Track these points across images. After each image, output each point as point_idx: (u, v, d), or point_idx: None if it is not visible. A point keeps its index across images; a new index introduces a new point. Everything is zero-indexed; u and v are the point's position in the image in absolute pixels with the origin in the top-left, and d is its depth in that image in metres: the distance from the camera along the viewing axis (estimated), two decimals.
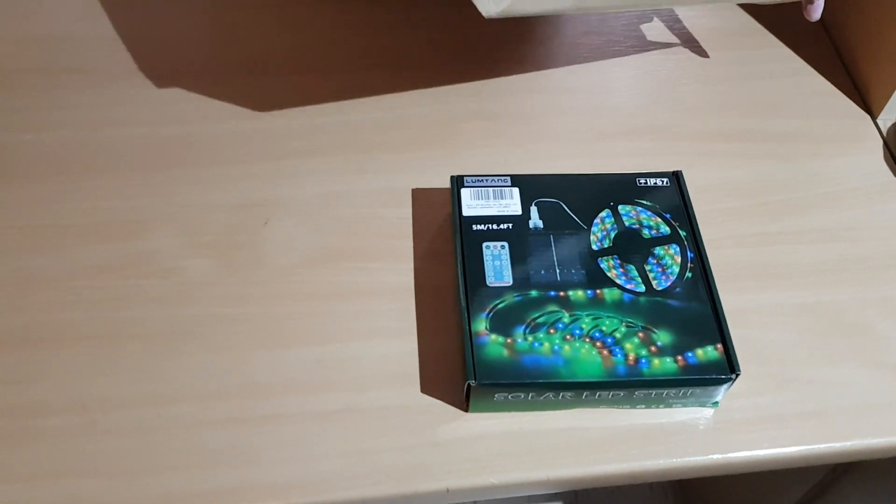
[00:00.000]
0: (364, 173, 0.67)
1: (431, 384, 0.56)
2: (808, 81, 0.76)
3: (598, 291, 0.56)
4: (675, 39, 0.79)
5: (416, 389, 0.56)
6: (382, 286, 0.61)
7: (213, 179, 0.66)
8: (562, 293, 0.56)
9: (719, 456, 0.54)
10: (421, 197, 0.66)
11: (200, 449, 0.53)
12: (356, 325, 0.59)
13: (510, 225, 0.59)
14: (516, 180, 0.61)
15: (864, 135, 0.72)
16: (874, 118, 0.73)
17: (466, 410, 0.55)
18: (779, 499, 0.92)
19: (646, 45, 0.79)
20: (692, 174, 0.68)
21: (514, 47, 0.78)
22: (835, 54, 0.78)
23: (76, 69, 0.73)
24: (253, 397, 0.55)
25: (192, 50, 0.75)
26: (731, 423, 0.55)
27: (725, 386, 0.54)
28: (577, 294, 0.56)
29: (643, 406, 0.55)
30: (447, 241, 0.63)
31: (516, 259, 0.57)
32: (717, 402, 0.56)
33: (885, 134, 0.72)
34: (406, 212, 0.65)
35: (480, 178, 0.61)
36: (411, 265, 0.62)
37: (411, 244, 0.63)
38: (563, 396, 0.53)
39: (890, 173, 0.69)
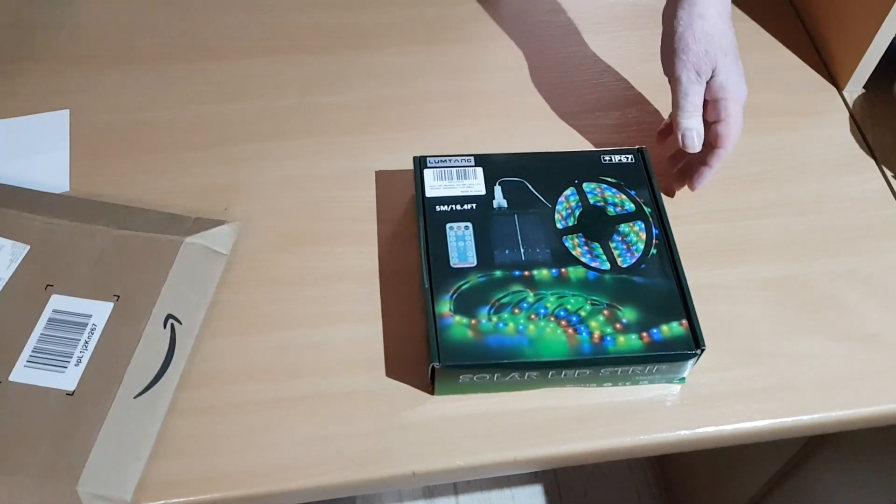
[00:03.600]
0: (326, 156, 0.66)
1: (397, 368, 0.56)
2: (774, 55, 0.75)
3: (562, 270, 0.55)
4: (641, 16, 0.78)
5: (382, 374, 0.55)
6: (347, 270, 0.60)
7: (171, 166, 0.65)
8: (526, 272, 0.55)
9: (687, 432, 0.54)
10: (385, 179, 0.65)
11: (163, 438, 0.52)
12: (320, 310, 0.58)
13: (474, 205, 0.58)
14: (480, 160, 0.60)
15: (830, 107, 0.72)
16: (840, 90, 0.73)
17: (432, 393, 0.55)
18: (755, 474, 0.92)
19: (612, 22, 0.78)
20: (659, 150, 0.67)
21: (481, 25, 0.77)
22: (801, 28, 0.77)
23: (25, 57, 0.72)
24: (215, 385, 0.54)
25: (144, 35, 0.74)
26: (699, 399, 0.55)
27: (691, 361, 0.53)
28: (542, 273, 0.55)
29: (610, 384, 0.55)
30: (412, 223, 0.62)
31: (480, 239, 0.57)
32: (683, 378, 0.55)
33: (851, 106, 0.71)
34: (370, 194, 0.64)
35: (443, 159, 0.60)
36: (376, 248, 0.61)
37: (375, 227, 0.62)
38: (528, 376, 0.53)
39: (856, 145, 0.69)
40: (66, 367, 0.52)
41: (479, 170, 0.60)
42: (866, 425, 0.56)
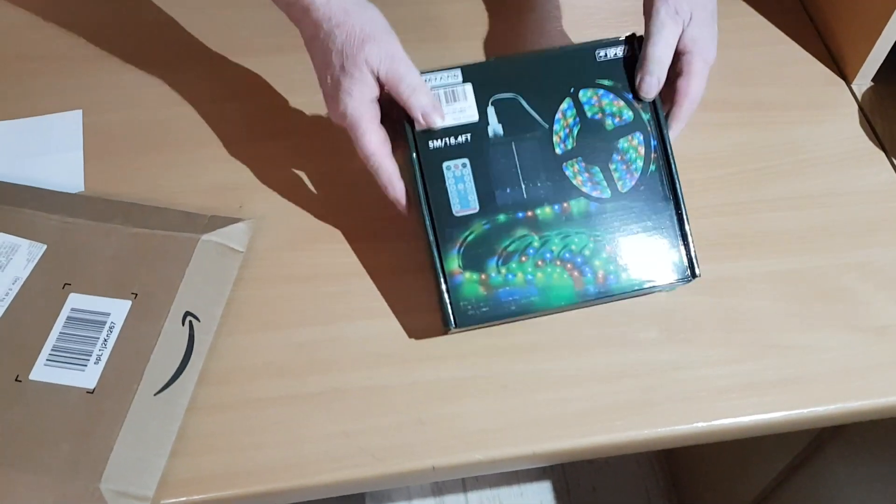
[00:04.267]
0: (339, 152, 0.66)
1: (415, 360, 0.56)
2: (783, 50, 0.76)
3: (564, 205, 0.56)
4: None
5: (399, 369, 0.56)
6: (362, 266, 0.60)
7: (184, 164, 0.65)
8: (529, 213, 0.55)
9: (703, 424, 0.54)
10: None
11: (182, 435, 0.52)
12: (337, 306, 0.58)
13: (468, 136, 0.56)
14: (468, 73, 0.56)
15: (839, 101, 0.72)
16: (849, 84, 0.73)
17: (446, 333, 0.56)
18: (765, 467, 0.93)
19: (620, 17, 0.78)
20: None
21: (489, 23, 0.77)
22: (809, 22, 0.78)
23: (37, 57, 0.72)
24: (234, 381, 0.55)
25: (156, 33, 0.74)
26: (714, 391, 0.55)
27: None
28: (545, 211, 0.55)
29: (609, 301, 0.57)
30: None
31: (479, 177, 0.55)
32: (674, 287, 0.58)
33: (860, 99, 0.72)
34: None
35: (429, 76, 0.56)
36: (391, 244, 0.61)
37: (390, 223, 0.63)
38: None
39: (866, 138, 0.69)
40: (85, 366, 0.52)
41: (469, 87, 0.56)
42: (879, 416, 0.57)
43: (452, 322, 0.53)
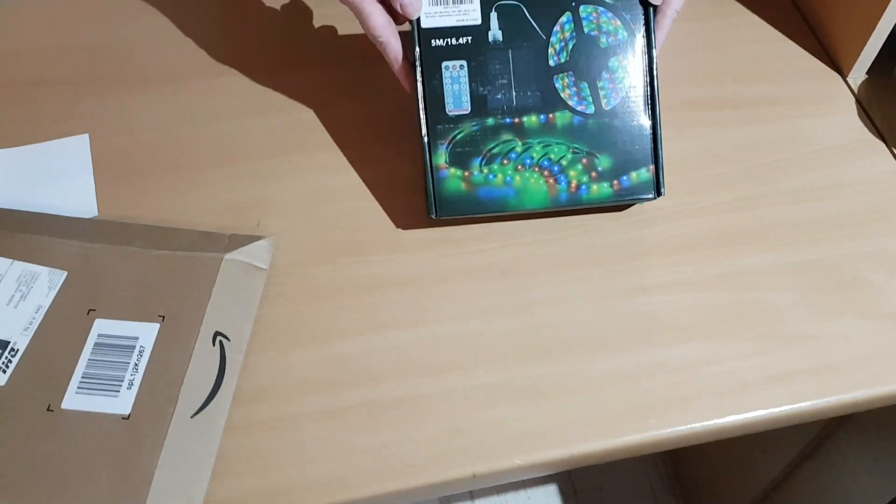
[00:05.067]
0: (354, 165, 0.66)
1: (448, 366, 0.56)
2: (776, 46, 0.77)
3: (550, 116, 0.59)
4: None
5: (432, 378, 0.56)
6: (386, 277, 0.60)
7: (197, 184, 0.65)
8: (516, 120, 0.59)
9: (736, 417, 0.55)
10: (416, 185, 0.65)
11: (222, 455, 0.52)
12: (364, 318, 0.58)
13: (469, 38, 0.59)
14: None
15: (836, 94, 0.74)
16: (844, 77, 0.74)
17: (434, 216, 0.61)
18: (773, 458, 0.94)
19: None
20: (674, 145, 0.68)
21: None
22: (799, 17, 0.79)
23: (39, 83, 0.71)
24: (268, 399, 0.54)
25: (158, 53, 0.74)
26: (744, 384, 0.56)
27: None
28: (531, 120, 0.59)
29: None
30: (448, 224, 0.63)
31: (474, 80, 0.59)
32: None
33: (856, 91, 0.73)
34: (402, 202, 0.64)
35: None
36: (412, 255, 0.62)
37: (410, 234, 0.63)
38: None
39: (865, 130, 0.71)
40: (118, 391, 0.52)
41: None
42: None
43: (434, 211, 0.60)
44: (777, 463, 0.93)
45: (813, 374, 0.57)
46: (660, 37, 0.62)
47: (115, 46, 0.74)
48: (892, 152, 0.69)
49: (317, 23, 0.76)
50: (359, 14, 0.58)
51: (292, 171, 0.66)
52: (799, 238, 0.64)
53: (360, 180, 0.66)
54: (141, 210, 0.63)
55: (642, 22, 0.60)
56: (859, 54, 0.72)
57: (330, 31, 0.76)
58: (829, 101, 0.73)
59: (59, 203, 0.62)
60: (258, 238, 0.60)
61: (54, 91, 0.70)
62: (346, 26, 0.76)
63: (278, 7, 0.77)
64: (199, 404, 0.52)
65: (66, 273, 0.57)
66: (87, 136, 0.67)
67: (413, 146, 0.64)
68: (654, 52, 0.60)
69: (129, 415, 0.51)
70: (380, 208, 0.64)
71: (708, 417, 0.55)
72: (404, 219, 0.64)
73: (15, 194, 0.63)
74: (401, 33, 0.60)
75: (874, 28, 0.70)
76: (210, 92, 0.71)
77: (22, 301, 0.55)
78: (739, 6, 0.81)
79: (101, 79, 0.71)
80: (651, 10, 0.60)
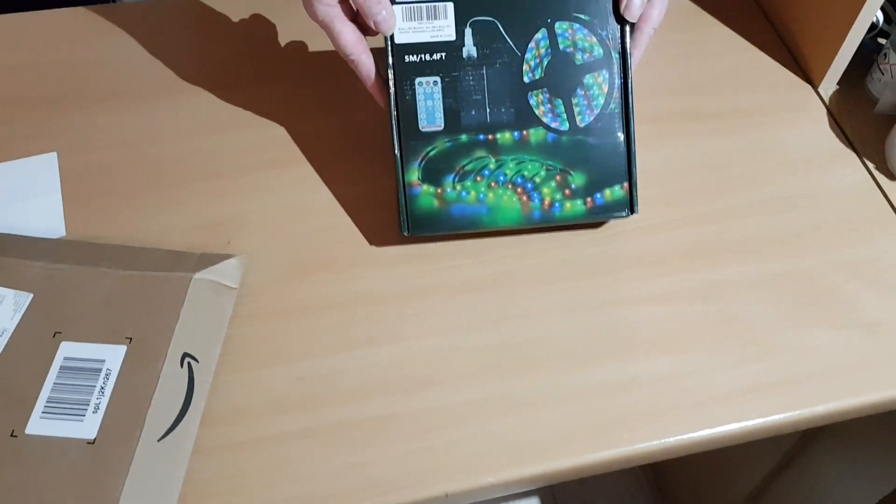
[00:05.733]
0: (324, 182, 0.66)
1: (417, 386, 0.56)
2: (748, 57, 0.77)
3: (524, 132, 0.59)
4: None
5: (403, 396, 0.55)
6: (357, 295, 0.60)
7: (166, 202, 0.64)
8: (490, 136, 0.59)
9: (710, 431, 0.55)
10: (388, 201, 0.65)
11: (189, 479, 0.51)
12: (335, 337, 0.58)
13: (443, 54, 0.59)
14: None
15: (807, 104, 0.74)
16: (815, 88, 0.75)
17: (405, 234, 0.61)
18: (752, 468, 0.94)
19: None
20: (648, 158, 0.68)
21: None
22: (771, 29, 0.80)
23: (12, 99, 0.70)
24: (237, 421, 0.53)
25: (126, 70, 0.73)
26: (718, 397, 0.56)
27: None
28: (505, 136, 0.59)
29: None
30: (421, 241, 0.62)
31: (448, 96, 0.59)
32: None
33: (827, 102, 0.74)
34: (373, 217, 0.64)
35: None
36: (385, 271, 0.61)
37: (382, 250, 0.62)
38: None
39: (837, 140, 0.71)
40: (84, 415, 0.51)
41: (450, 6, 0.58)
42: (878, 410, 0.58)
43: (406, 228, 0.59)
44: (757, 472, 0.93)
45: (786, 385, 0.57)
46: (636, 54, 0.61)
47: (83, 64, 0.73)
48: (862, 162, 0.69)
49: (289, 38, 0.76)
50: (329, 32, 0.58)
51: (264, 188, 0.65)
52: (772, 249, 0.64)
53: (333, 196, 0.65)
54: (110, 229, 0.62)
55: (618, 39, 0.60)
56: (830, 65, 0.73)
57: (301, 46, 0.75)
58: (800, 111, 0.73)
59: (27, 223, 0.62)
60: (228, 256, 0.59)
61: (22, 109, 0.69)
62: (319, 42, 0.75)
63: (249, 24, 0.77)
64: (167, 427, 0.51)
65: (31, 295, 0.56)
66: (55, 154, 0.66)
67: (387, 161, 0.63)
68: (630, 70, 0.60)
69: (95, 439, 0.50)
70: (353, 224, 0.64)
71: (682, 431, 0.54)
72: (378, 235, 0.63)
73: None
74: (374, 48, 0.60)
75: (844, 39, 0.70)
76: (180, 109, 0.70)
77: None
78: (712, 18, 0.81)
79: (69, 96, 0.70)
80: (628, 27, 0.60)
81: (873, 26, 0.74)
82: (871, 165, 0.69)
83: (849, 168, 0.69)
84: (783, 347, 0.59)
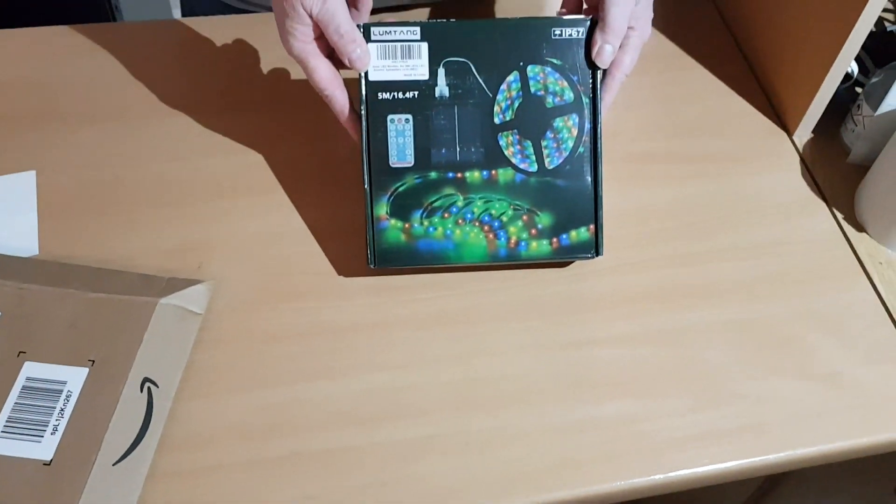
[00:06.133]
0: (297, 210, 0.67)
1: (380, 417, 0.56)
2: (726, 101, 0.78)
3: (493, 172, 0.60)
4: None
5: (362, 429, 0.56)
6: (322, 325, 0.60)
7: (142, 225, 0.65)
8: (459, 175, 0.60)
9: (661, 476, 0.55)
10: (357, 231, 0.65)
11: None
12: (297, 366, 0.58)
13: (416, 93, 0.60)
14: (426, 31, 0.59)
15: (781, 151, 0.75)
16: (790, 135, 0.76)
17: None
18: None
19: None
20: (619, 198, 0.69)
21: None
22: (751, 74, 0.81)
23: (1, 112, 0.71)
24: (194, 447, 0.54)
25: (108, 92, 0.74)
26: (672, 441, 0.56)
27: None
28: (474, 176, 0.60)
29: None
30: (390, 273, 0.63)
31: (419, 134, 0.60)
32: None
33: (801, 150, 0.75)
34: (343, 247, 0.65)
35: (388, 30, 0.59)
36: (350, 302, 0.62)
37: (350, 280, 0.63)
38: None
39: (808, 188, 0.72)
40: (42, 437, 0.51)
41: (425, 46, 0.60)
42: (832, 460, 0.58)
43: (373, 261, 0.61)
44: None
45: (742, 433, 0.57)
46: (607, 99, 0.62)
47: (63, 83, 0.74)
48: (832, 211, 0.70)
49: (271, 66, 0.77)
50: (304, 68, 0.59)
51: (236, 214, 0.66)
52: (737, 295, 0.64)
53: (305, 224, 0.66)
54: (83, 249, 0.63)
55: (590, 84, 0.61)
56: (805, 113, 0.74)
57: (283, 74, 0.76)
58: (774, 158, 0.74)
59: (0, 240, 0.62)
60: (196, 282, 0.60)
61: (3, 125, 0.70)
62: (300, 71, 0.76)
63: (233, 50, 0.78)
64: (122, 452, 0.51)
65: (0, 313, 0.56)
66: (34, 172, 0.67)
67: (360, 192, 0.64)
68: (600, 116, 0.61)
69: (51, 461, 0.51)
70: (322, 253, 0.65)
71: (633, 475, 0.55)
72: (346, 264, 0.64)
73: None
74: (348, 83, 0.61)
75: (819, 88, 0.71)
76: (159, 132, 0.71)
77: None
78: (695, 62, 0.82)
79: (48, 115, 0.71)
80: (599, 72, 0.61)
81: (848, 77, 0.75)
82: (839, 215, 0.70)
83: (818, 217, 0.70)
84: (742, 394, 0.59)
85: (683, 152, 0.74)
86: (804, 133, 0.75)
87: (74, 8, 1.32)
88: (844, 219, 0.70)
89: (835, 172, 0.73)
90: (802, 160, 0.74)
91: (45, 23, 0.78)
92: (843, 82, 0.73)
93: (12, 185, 0.66)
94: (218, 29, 0.79)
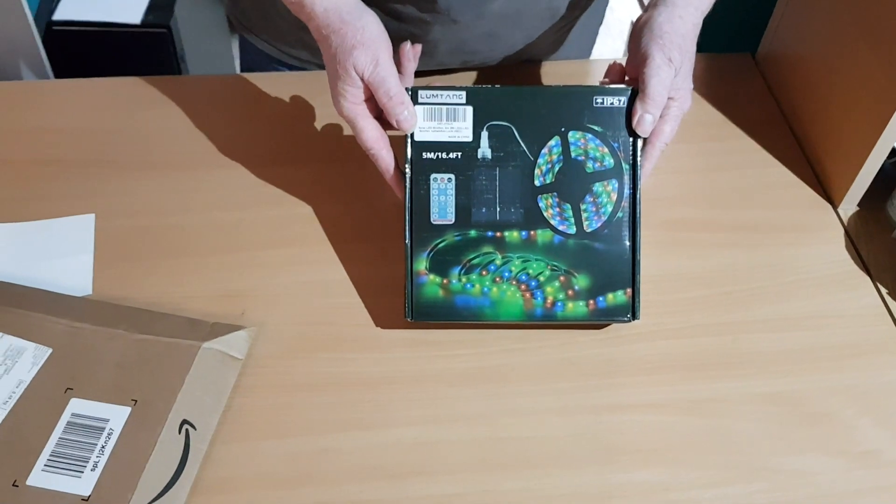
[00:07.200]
0: (339, 262, 0.69)
1: (408, 472, 0.57)
2: (771, 172, 0.79)
3: (531, 233, 0.61)
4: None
5: (391, 483, 0.56)
6: (358, 376, 0.62)
7: (191, 270, 0.67)
8: (498, 234, 0.61)
9: None
10: (397, 286, 0.67)
11: None
12: (332, 416, 0.60)
13: (459, 154, 0.62)
14: (471, 96, 0.62)
15: (825, 224, 0.74)
16: (835, 208, 0.75)
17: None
18: None
19: None
20: (658, 263, 0.69)
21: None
22: (796, 145, 0.81)
23: (52, 161, 0.75)
24: (226, 491, 0.55)
25: (165, 142, 0.77)
26: None
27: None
28: (513, 235, 0.61)
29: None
30: (427, 327, 0.64)
31: (461, 193, 0.62)
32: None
33: (845, 223, 0.74)
34: (383, 301, 0.66)
35: (435, 93, 0.62)
36: (387, 355, 0.63)
37: (387, 333, 0.64)
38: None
39: (851, 262, 0.71)
40: (82, 472, 0.53)
41: (469, 110, 0.62)
42: None
43: (411, 315, 0.62)
44: None
45: None
46: (647, 166, 0.64)
47: (127, 132, 0.78)
48: (876, 286, 0.69)
49: (324, 122, 0.80)
50: (353, 127, 0.62)
51: (282, 264, 0.68)
52: (773, 368, 0.64)
53: (347, 276, 0.68)
54: (134, 292, 0.66)
55: (630, 151, 0.62)
56: (850, 186, 0.73)
57: (336, 129, 0.79)
58: (818, 230, 0.74)
59: (57, 279, 0.65)
60: (239, 328, 0.62)
61: (66, 170, 0.74)
62: (347, 128, 0.79)
63: (288, 105, 0.81)
64: (158, 492, 0.53)
65: (51, 350, 0.59)
66: (93, 216, 0.71)
67: (399, 247, 0.66)
68: (639, 182, 0.62)
69: (89, 497, 0.52)
70: (361, 304, 0.66)
71: None
72: (385, 317, 0.65)
73: (16, 268, 0.66)
74: (395, 141, 0.63)
75: (864, 161, 0.71)
76: (212, 182, 0.74)
77: (5, 374, 0.57)
78: (740, 131, 0.82)
79: (110, 162, 0.75)
80: (640, 140, 0.62)
81: (895, 151, 0.75)
82: (884, 291, 0.69)
83: (860, 291, 0.69)
84: (773, 469, 0.58)
85: (724, 220, 0.74)
86: (849, 206, 0.75)
87: (144, 59, 1.38)
88: (889, 294, 0.69)
89: (880, 247, 0.72)
90: (847, 233, 0.73)
91: (116, 73, 0.83)
92: (889, 156, 0.72)
93: (72, 226, 0.70)
94: (274, 85, 0.82)
